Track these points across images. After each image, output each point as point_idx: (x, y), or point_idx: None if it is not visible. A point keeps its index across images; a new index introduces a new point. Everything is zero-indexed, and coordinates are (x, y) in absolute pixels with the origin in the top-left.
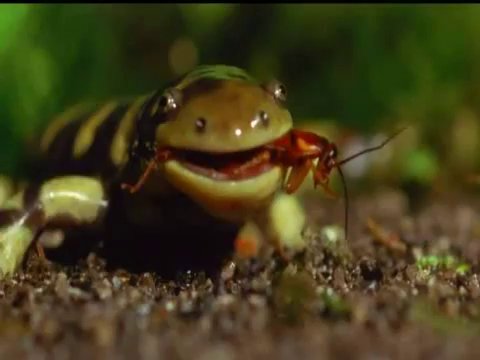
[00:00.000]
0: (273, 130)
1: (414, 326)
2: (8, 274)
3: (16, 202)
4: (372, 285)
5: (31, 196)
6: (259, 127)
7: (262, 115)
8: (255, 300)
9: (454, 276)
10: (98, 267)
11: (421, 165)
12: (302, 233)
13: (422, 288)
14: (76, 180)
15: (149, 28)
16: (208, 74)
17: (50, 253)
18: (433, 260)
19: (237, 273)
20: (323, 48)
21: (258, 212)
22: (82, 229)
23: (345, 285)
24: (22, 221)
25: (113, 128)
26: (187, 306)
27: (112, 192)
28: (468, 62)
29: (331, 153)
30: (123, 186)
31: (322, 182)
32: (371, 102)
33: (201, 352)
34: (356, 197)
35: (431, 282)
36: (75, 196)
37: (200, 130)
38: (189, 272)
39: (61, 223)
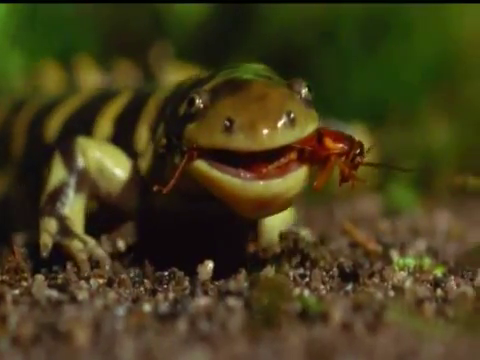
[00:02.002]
0: (300, 129)
1: (391, 327)
2: (90, 244)
3: (59, 174)
4: (349, 287)
5: (70, 161)
6: (286, 126)
7: (289, 115)
8: (232, 302)
9: (431, 278)
10: (75, 269)
11: (403, 197)
12: (280, 235)
13: (399, 290)
14: (108, 149)
15: (129, 29)
16: (235, 74)
17: (27, 254)
18: (410, 262)
19: (214, 274)
20: (304, 50)
21: (282, 210)
22: (106, 203)
23: (322, 287)
24: (74, 189)
25: (135, 118)
26: (164, 307)
27: (139, 177)
28: (449, 64)
29: (358, 151)
30: (155, 188)
31: (351, 179)
32: (353, 104)
33: (178, 353)
34: (333, 199)
35: (408, 284)
36: (105, 165)
37: (228, 130)
38: (166, 273)
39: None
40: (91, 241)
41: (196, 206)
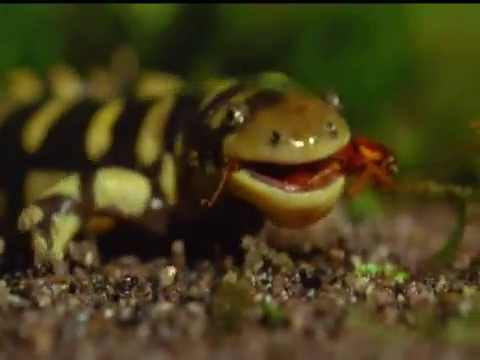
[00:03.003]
0: (340, 139)
1: (352, 333)
2: (53, 253)
3: (69, 188)
4: (311, 292)
5: (85, 185)
6: (329, 137)
7: (330, 125)
8: (194, 307)
9: (392, 284)
10: (38, 274)
11: (365, 203)
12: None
13: (360, 296)
14: (126, 175)
15: (91, 36)
16: (265, 85)
17: None
18: (372, 268)
19: (176, 280)
20: (267, 54)
21: (321, 219)
22: (126, 221)
23: (284, 292)
24: (73, 209)
25: (135, 127)
26: (126, 313)
27: (155, 189)
28: (410, 69)
29: (391, 159)
30: (202, 202)
31: (388, 185)
32: None
33: (139, 359)
34: None
35: (369, 290)
36: (126, 191)
37: (273, 143)
38: (128, 279)
39: (107, 214)
40: (59, 251)
41: (218, 215)
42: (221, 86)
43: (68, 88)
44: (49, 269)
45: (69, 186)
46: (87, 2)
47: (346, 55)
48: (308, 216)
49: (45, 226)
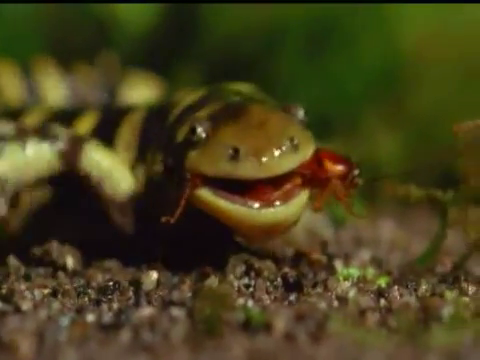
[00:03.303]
0: (303, 153)
1: (334, 338)
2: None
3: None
4: (293, 297)
5: (74, 140)
6: (290, 152)
7: (292, 140)
8: (175, 312)
9: (374, 288)
10: (21, 279)
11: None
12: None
13: (342, 300)
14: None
15: (73, 37)
16: (229, 98)
17: None
18: (354, 272)
19: (158, 284)
20: (249, 58)
21: (285, 233)
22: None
23: (266, 297)
24: (59, 144)
25: (109, 137)
26: (108, 318)
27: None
28: (393, 73)
29: (355, 172)
30: (163, 219)
31: (346, 201)
32: None
33: None
34: None
35: (351, 294)
36: (113, 165)
37: (233, 158)
38: (111, 283)
39: (90, 186)
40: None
41: (194, 222)
42: (189, 97)
43: (51, 81)
44: None
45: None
46: (69, 2)
47: (328, 58)
48: (271, 231)
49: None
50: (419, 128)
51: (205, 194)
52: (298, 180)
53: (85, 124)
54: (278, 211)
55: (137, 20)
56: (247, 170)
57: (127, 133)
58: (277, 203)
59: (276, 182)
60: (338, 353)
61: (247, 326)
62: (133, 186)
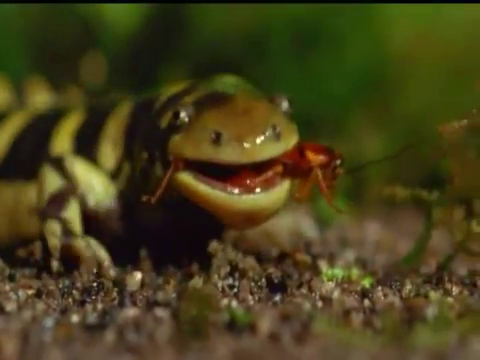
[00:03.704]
0: (285, 142)
1: (318, 338)
2: (93, 243)
3: (54, 182)
4: (277, 297)
5: (62, 170)
6: (272, 140)
7: (274, 128)
8: (160, 312)
9: (359, 288)
10: (5, 280)
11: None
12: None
13: (327, 300)
14: (91, 165)
15: (58, 39)
16: (216, 87)
17: None
18: (338, 272)
19: (143, 285)
20: (235, 60)
21: (266, 221)
22: (91, 217)
23: (250, 297)
24: (70, 195)
25: (95, 135)
26: (92, 318)
27: (116, 193)
28: (379, 74)
29: (338, 162)
30: (144, 198)
31: (327, 192)
32: None
33: None
34: None
35: (336, 294)
36: (92, 177)
37: (215, 143)
38: (95, 284)
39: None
40: (93, 241)
41: (178, 218)
42: (174, 88)
43: (41, 99)
44: (99, 265)
45: (52, 180)
46: (54, 2)
47: (314, 59)
48: (251, 218)
49: (66, 229)
50: (405, 129)
51: (186, 178)
52: (280, 168)
53: (71, 124)
54: (258, 198)
55: (123, 20)
56: (229, 155)
57: (113, 130)
58: (257, 190)
59: (258, 170)
60: (323, 353)
61: (232, 327)
62: (116, 195)
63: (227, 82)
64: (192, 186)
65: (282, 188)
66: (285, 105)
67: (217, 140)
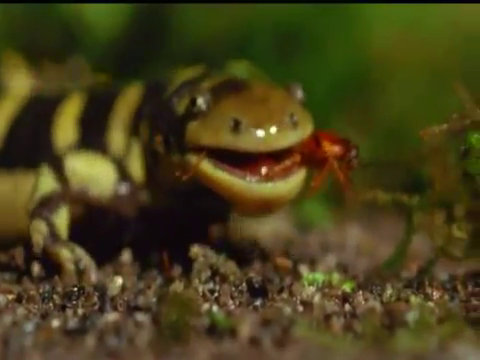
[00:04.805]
0: (302, 131)
1: (299, 343)
2: (77, 251)
3: (49, 184)
4: (258, 302)
5: (58, 173)
6: (290, 128)
7: (292, 116)
8: (141, 317)
9: (339, 293)
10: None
11: (314, 211)
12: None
13: (307, 305)
14: (94, 158)
15: (40, 41)
16: (231, 74)
17: None
18: (319, 277)
19: (124, 290)
20: (217, 61)
21: (280, 210)
22: (95, 207)
23: (231, 302)
24: (61, 201)
25: (103, 117)
26: (73, 323)
27: (123, 175)
28: (360, 77)
29: (353, 153)
30: (177, 173)
31: (344, 182)
32: None
33: None
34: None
35: (316, 299)
36: (95, 172)
37: (234, 130)
38: (75, 289)
39: (78, 200)
40: (78, 249)
41: (185, 203)
42: (187, 73)
43: (19, 78)
44: (82, 271)
45: (47, 182)
46: (36, 2)
47: (296, 61)
48: (268, 206)
49: (52, 232)
50: (387, 132)
51: (205, 166)
52: (297, 158)
53: (72, 107)
54: (276, 186)
55: (105, 21)
56: (248, 142)
57: (122, 111)
58: (276, 178)
59: (276, 159)
60: (303, 358)
61: (213, 331)
62: (122, 179)
63: (241, 69)
64: (211, 174)
65: (298, 177)
66: (300, 94)
67: (236, 128)
